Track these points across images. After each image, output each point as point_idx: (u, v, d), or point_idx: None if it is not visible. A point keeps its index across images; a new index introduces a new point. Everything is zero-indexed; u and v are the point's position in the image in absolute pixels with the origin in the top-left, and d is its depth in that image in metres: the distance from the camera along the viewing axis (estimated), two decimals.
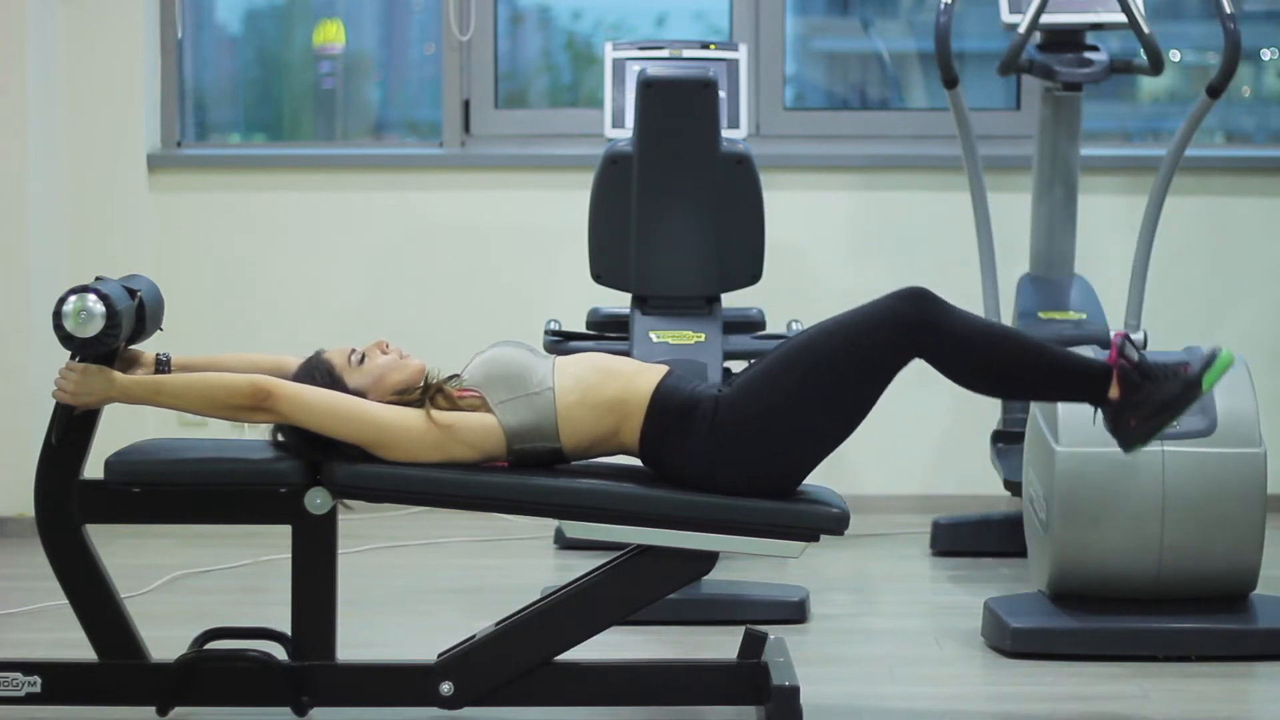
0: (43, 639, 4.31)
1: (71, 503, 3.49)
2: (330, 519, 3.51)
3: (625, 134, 5.18)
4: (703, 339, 4.66)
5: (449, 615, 4.65)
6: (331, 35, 6.47)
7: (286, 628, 3.56)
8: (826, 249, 6.10)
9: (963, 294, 5.87)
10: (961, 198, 5.62)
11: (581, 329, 5.09)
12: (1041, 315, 5.38)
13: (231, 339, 5.79)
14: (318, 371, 3.54)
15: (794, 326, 4.89)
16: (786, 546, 3.46)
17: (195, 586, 4.96)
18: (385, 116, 6.73)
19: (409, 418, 3.47)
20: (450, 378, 3.57)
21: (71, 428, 3.49)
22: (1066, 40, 5.31)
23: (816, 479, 3.56)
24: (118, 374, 3.45)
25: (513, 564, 5.25)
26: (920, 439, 6.06)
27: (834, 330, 3.48)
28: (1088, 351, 4.26)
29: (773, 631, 3.76)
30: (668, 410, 3.49)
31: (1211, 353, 3.51)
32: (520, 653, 3.51)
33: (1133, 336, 3.61)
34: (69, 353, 3.46)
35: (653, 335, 4.66)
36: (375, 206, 6.11)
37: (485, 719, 3.57)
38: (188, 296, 5.69)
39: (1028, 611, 4.19)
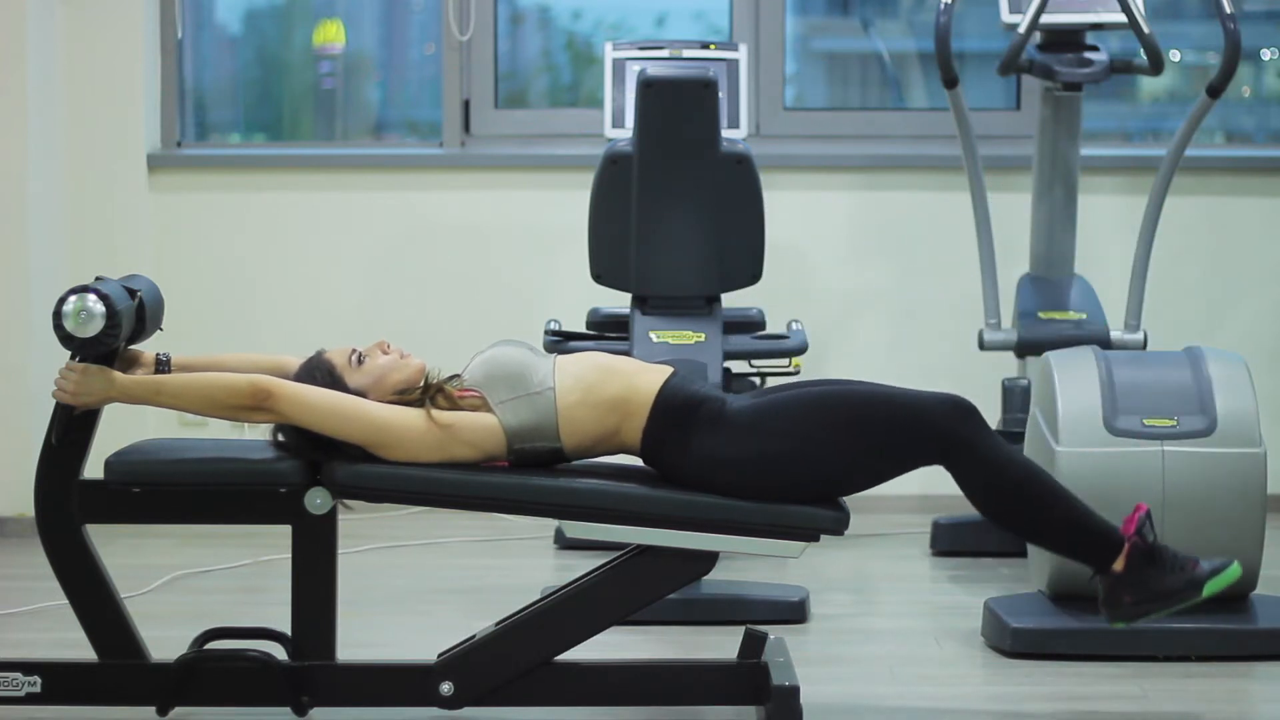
0: (43, 639, 4.31)
1: (71, 503, 3.49)
2: (330, 519, 3.51)
3: (625, 134, 5.18)
4: (703, 339, 4.65)
5: (449, 615, 4.65)
6: (331, 35, 6.46)
7: (286, 628, 3.56)
8: (826, 249, 6.10)
9: (963, 294, 5.91)
10: (961, 198, 5.61)
11: (581, 329, 5.09)
12: (1041, 315, 5.37)
13: (231, 339, 5.78)
14: (318, 371, 3.54)
15: (794, 326, 4.89)
16: (786, 546, 3.47)
17: (195, 586, 4.96)
18: (385, 116, 6.72)
19: (409, 418, 3.47)
20: (451, 378, 3.57)
21: (71, 428, 3.49)
22: (1066, 40, 5.30)
23: None
24: (118, 374, 3.44)
25: (513, 564, 5.25)
26: None
27: (873, 401, 3.48)
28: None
29: (773, 631, 3.76)
30: (672, 409, 3.49)
31: (1223, 562, 3.54)
32: (520, 653, 3.51)
33: (1152, 515, 3.64)
34: (69, 353, 3.46)
35: (653, 335, 4.65)
36: (375, 206, 6.11)
37: (485, 719, 3.57)
38: (188, 296, 5.69)
39: (1028, 611, 4.19)
